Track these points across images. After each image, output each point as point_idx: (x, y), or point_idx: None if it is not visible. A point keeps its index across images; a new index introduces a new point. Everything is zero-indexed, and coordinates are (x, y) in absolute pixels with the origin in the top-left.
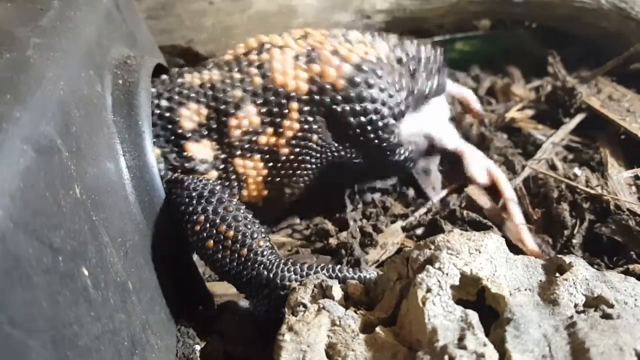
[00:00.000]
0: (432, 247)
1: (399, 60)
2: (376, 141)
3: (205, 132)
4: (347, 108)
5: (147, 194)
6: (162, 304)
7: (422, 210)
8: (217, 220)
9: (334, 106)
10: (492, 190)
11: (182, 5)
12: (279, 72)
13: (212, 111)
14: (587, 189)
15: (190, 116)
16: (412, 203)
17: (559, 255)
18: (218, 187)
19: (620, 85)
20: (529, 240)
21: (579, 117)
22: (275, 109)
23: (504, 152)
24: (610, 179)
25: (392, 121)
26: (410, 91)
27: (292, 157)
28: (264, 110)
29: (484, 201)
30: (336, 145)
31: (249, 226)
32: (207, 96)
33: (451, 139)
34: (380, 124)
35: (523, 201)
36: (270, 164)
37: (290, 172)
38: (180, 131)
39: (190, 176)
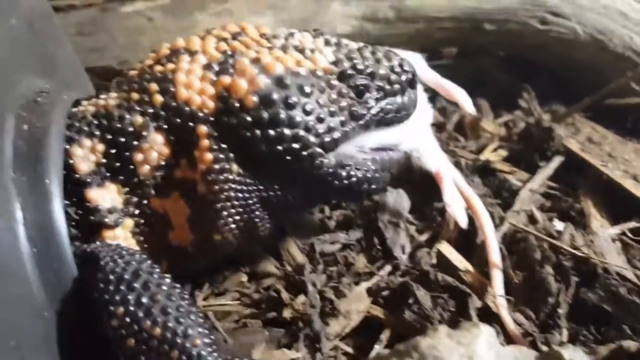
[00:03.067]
0: (416, 355)
1: (342, 75)
2: (300, 174)
3: (108, 174)
4: (258, 133)
5: (53, 273)
6: None
7: (389, 267)
8: (140, 314)
9: (243, 130)
10: (466, 242)
11: (116, 20)
12: (182, 84)
13: (109, 146)
14: (573, 251)
15: (85, 155)
16: (377, 257)
17: (557, 348)
18: (144, 265)
19: (600, 125)
20: (508, 321)
21: (557, 161)
22: (183, 135)
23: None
24: (597, 237)
25: (318, 150)
26: (354, 114)
27: (211, 195)
28: (172, 137)
29: (458, 260)
30: (260, 178)
31: (182, 319)
32: (101, 127)
33: (430, 158)
34: (303, 154)
35: (503, 262)
36: (192, 201)
37: (215, 213)
38: (76, 176)
39: (106, 249)
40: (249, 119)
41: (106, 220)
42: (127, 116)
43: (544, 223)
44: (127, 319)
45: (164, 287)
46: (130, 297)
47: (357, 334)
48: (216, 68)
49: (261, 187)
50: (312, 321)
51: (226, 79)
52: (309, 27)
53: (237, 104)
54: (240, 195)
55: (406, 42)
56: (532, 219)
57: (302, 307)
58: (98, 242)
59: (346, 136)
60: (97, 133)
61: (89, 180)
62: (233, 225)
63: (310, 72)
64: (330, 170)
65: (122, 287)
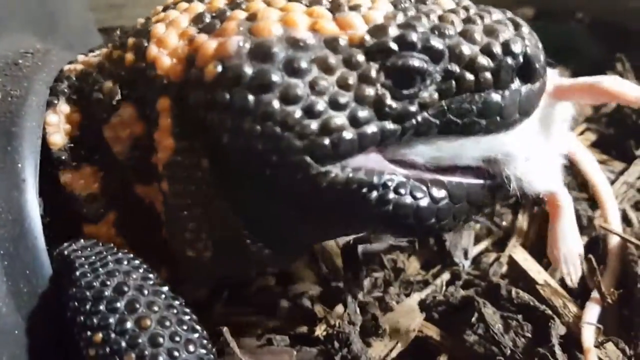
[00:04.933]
0: None
1: (375, 50)
2: (290, 188)
3: (83, 152)
4: (216, 120)
5: (26, 282)
6: None
7: (447, 275)
8: (123, 344)
9: (201, 112)
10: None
11: None
12: (156, 40)
13: (84, 116)
14: None
15: (60, 125)
16: (434, 262)
17: None
18: (134, 276)
19: None
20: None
21: None
22: (149, 109)
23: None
24: None
25: (304, 159)
26: (384, 111)
27: (174, 199)
28: (143, 110)
29: (535, 270)
30: (236, 184)
31: (177, 352)
32: (78, 91)
33: (544, 179)
34: (282, 160)
35: (593, 276)
36: (164, 200)
37: (180, 222)
38: (49, 152)
39: (87, 252)
40: (208, 96)
41: (85, 211)
42: (101, 80)
43: None
44: (107, 349)
45: (156, 308)
46: (111, 320)
47: (405, 358)
48: (206, 21)
49: (240, 196)
50: (351, 341)
51: (201, 38)
52: None
53: (197, 74)
54: (215, 202)
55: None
56: (625, 220)
57: (339, 322)
58: (82, 240)
59: (366, 143)
60: (75, 98)
61: (63, 157)
62: (209, 242)
63: (324, 40)
64: (339, 187)
65: (101, 308)
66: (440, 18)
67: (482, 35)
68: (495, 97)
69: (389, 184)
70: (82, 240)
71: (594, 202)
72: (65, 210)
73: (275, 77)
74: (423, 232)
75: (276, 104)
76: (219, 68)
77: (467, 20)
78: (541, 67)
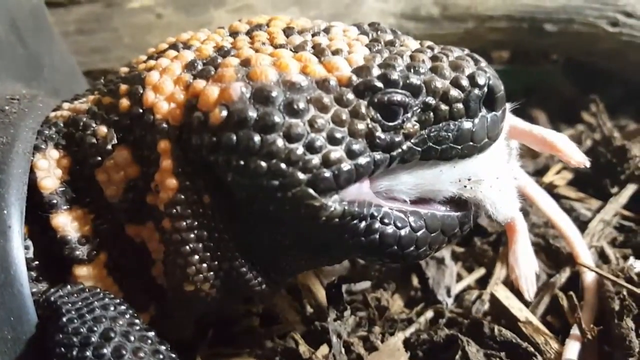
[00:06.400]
0: None
1: (362, 88)
2: (291, 220)
3: (74, 195)
4: (222, 160)
5: (10, 329)
6: None
7: (431, 313)
8: None
9: (205, 153)
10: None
11: (122, 17)
12: (152, 86)
13: (75, 161)
14: None
15: (50, 170)
16: (417, 299)
17: None
18: (119, 324)
19: None
20: None
21: (632, 187)
22: (148, 152)
23: (542, 233)
24: None
25: (308, 191)
26: (375, 142)
27: (177, 234)
28: (139, 152)
29: (517, 307)
30: (238, 218)
31: None
32: (68, 137)
33: (504, 205)
34: (287, 194)
35: (574, 313)
36: (165, 238)
37: (183, 258)
38: (40, 196)
39: (73, 298)
40: (213, 139)
41: (77, 253)
42: (93, 125)
43: (617, 261)
44: None
45: (142, 354)
46: None
47: None
48: (199, 68)
49: (242, 230)
50: None
51: (199, 84)
52: (343, 22)
53: (202, 118)
54: (215, 235)
55: (453, 43)
56: (602, 256)
57: None
58: (69, 286)
59: (362, 172)
60: (64, 143)
61: (54, 201)
62: (209, 274)
63: (316, 82)
64: (337, 220)
65: (88, 354)
66: (412, 57)
67: (450, 70)
68: (467, 124)
69: (376, 214)
70: (68, 286)
71: None
72: (55, 252)
73: (277, 118)
74: (403, 259)
75: (280, 142)
76: (224, 112)
77: (435, 58)
78: (502, 96)
